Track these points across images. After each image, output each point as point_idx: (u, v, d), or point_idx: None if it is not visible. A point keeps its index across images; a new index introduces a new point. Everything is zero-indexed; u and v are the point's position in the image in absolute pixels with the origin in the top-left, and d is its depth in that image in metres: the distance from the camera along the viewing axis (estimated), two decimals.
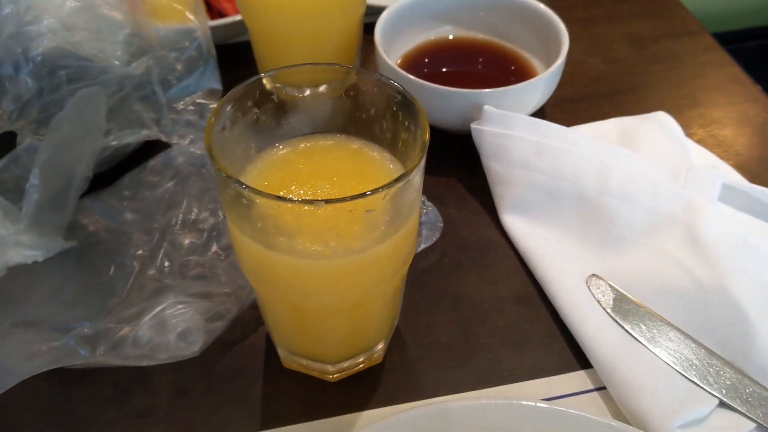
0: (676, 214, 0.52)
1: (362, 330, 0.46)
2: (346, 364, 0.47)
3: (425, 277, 0.54)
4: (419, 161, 0.36)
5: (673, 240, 0.52)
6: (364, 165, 0.43)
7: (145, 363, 0.47)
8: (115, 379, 0.48)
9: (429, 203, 0.57)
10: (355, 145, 0.44)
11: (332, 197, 0.35)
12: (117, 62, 0.48)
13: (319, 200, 0.34)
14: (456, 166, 0.62)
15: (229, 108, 0.39)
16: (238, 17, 0.69)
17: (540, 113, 0.64)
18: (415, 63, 0.67)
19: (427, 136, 0.37)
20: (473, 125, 0.58)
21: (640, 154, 0.57)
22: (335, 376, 0.48)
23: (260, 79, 0.41)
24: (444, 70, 0.68)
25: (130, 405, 0.47)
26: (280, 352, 0.48)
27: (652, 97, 0.71)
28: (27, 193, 0.44)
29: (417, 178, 0.38)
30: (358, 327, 0.45)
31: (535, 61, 0.67)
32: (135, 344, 0.47)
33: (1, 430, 0.46)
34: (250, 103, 0.41)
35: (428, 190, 0.58)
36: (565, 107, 0.68)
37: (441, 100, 0.59)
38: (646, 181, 0.54)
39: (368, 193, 0.34)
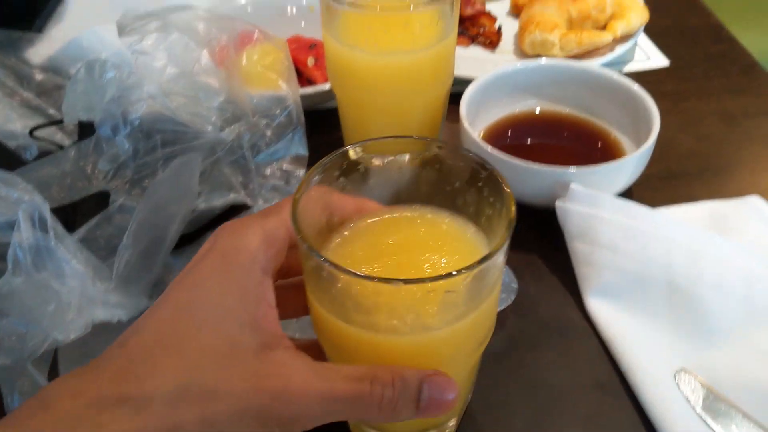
0: None
1: None
2: None
3: (501, 353, 0.53)
4: (504, 242, 0.35)
5: None
6: (448, 238, 0.42)
7: None
8: None
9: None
10: (439, 217, 0.43)
11: (412, 276, 0.34)
12: (211, 128, 0.50)
13: (398, 280, 0.33)
14: (537, 243, 0.61)
15: (316, 178, 0.40)
16: (327, 86, 0.70)
17: (627, 191, 0.63)
18: (499, 135, 0.67)
19: (514, 214, 0.37)
20: (558, 203, 0.57)
21: (733, 241, 0.54)
22: None
23: (346, 150, 0.41)
24: (528, 142, 0.67)
25: None
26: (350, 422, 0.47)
27: (745, 178, 0.69)
28: (119, 253, 0.45)
29: (501, 258, 0.36)
30: None
31: (622, 138, 0.65)
32: None
33: None
34: (336, 173, 0.41)
35: (509, 266, 0.57)
36: (653, 185, 0.66)
37: (525, 176, 0.58)
38: (740, 271, 0.52)
39: (453, 273, 0.33)
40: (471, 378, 0.47)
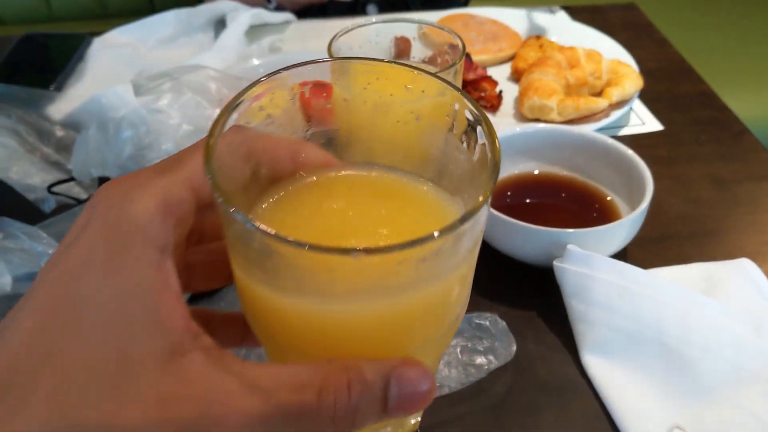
0: (760, 371, 0.51)
1: None
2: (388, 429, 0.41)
3: (501, 414, 0.54)
4: (489, 194, 0.28)
5: (758, 396, 0.51)
6: (408, 199, 0.35)
7: None
8: None
9: (500, 321, 0.58)
10: (398, 176, 0.36)
11: (370, 244, 0.28)
12: None
13: (356, 250, 0.25)
14: (535, 301, 0.63)
15: (235, 115, 0.31)
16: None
17: (620, 252, 0.65)
18: (499, 195, 0.70)
19: (499, 157, 0.30)
20: (556, 263, 0.59)
21: (722, 304, 0.57)
22: None
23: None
24: (527, 202, 0.70)
25: None
26: None
27: (735, 241, 0.71)
28: None
29: (483, 215, 0.29)
30: None
31: (618, 200, 0.68)
32: None
33: None
34: (263, 111, 0.33)
35: (507, 323, 0.59)
36: (646, 247, 0.69)
37: (524, 236, 0.60)
38: (729, 334, 0.54)
39: (432, 235, 0.26)
40: (436, 363, 0.40)
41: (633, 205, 0.63)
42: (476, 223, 0.28)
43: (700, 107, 0.93)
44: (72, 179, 0.69)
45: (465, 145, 0.33)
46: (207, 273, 0.35)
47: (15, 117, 0.75)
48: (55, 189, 0.70)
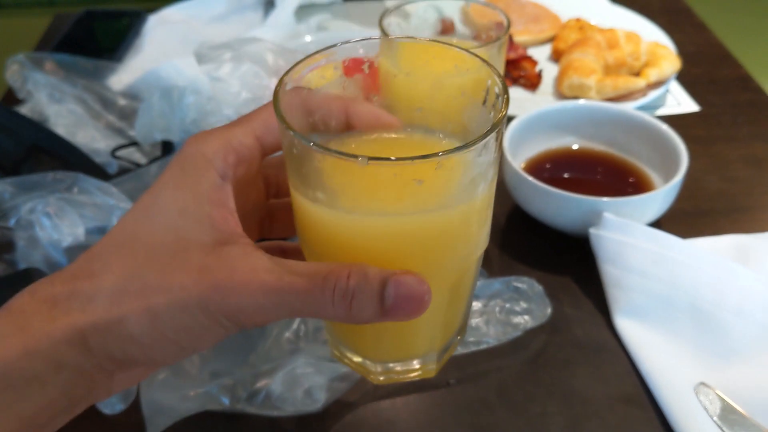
0: None
1: (417, 326, 0.40)
2: (398, 368, 0.43)
3: (537, 371, 0.57)
4: (485, 137, 0.32)
5: None
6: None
7: (275, 413, 0.52)
8: (248, 426, 0.53)
9: (537, 285, 0.61)
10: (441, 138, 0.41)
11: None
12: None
13: (363, 157, 0.30)
14: (572, 268, 0.66)
15: (306, 70, 0.37)
16: None
17: (657, 224, 0.67)
18: (538, 168, 0.72)
19: (504, 106, 0.35)
20: (592, 230, 0.62)
21: (755, 271, 0.59)
22: (381, 378, 0.43)
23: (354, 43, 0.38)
24: (565, 176, 0.73)
25: None
26: (328, 337, 0.45)
27: None
28: None
29: (481, 153, 0.34)
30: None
31: (654, 176, 0.70)
32: (268, 396, 0.53)
33: None
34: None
35: (545, 289, 0.62)
36: (682, 220, 0.71)
37: (562, 204, 0.63)
38: (761, 299, 0.56)
39: (424, 156, 0.30)
40: (461, 304, 0.43)
41: (668, 180, 0.65)
42: (484, 150, 0.33)
43: (738, 90, 0.94)
44: (134, 144, 0.73)
45: (491, 115, 0.37)
46: (284, 221, 0.42)
47: (81, 86, 0.79)
48: (119, 153, 0.74)
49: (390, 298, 0.32)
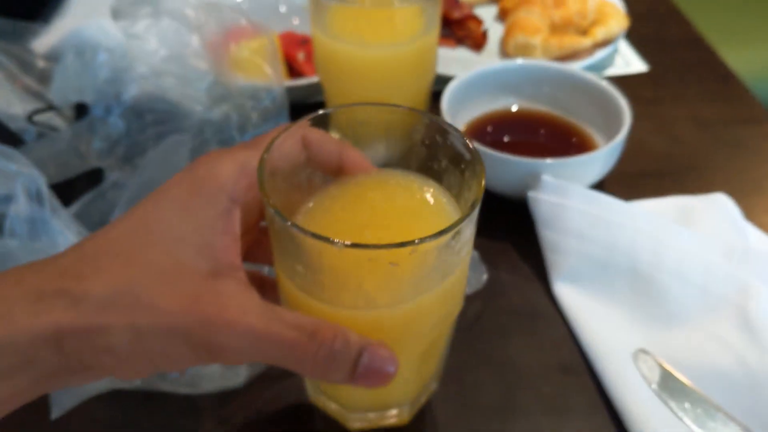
0: (728, 295, 0.52)
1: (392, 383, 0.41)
2: (372, 416, 0.47)
3: (472, 339, 0.55)
4: (459, 224, 0.34)
5: (724, 321, 0.51)
6: (429, 211, 0.41)
7: (192, 391, 0.49)
8: (164, 404, 0.50)
9: (473, 250, 0.58)
10: (423, 185, 0.42)
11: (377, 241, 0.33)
12: (200, 108, 0.52)
13: (340, 243, 0.32)
14: (510, 233, 0.64)
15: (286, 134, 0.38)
16: (315, 79, 0.73)
17: (600, 186, 0.66)
18: (479, 131, 0.70)
19: (478, 195, 0.35)
20: (530, 193, 0.60)
21: (695, 232, 0.57)
22: (357, 425, 0.47)
23: (327, 114, 0.40)
24: (506, 139, 0.70)
25: (176, 430, 0.49)
26: (308, 384, 0.48)
27: (716, 180, 0.71)
28: None
29: (455, 240, 0.35)
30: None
31: (597, 136, 0.68)
32: (182, 372, 0.50)
33: None
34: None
35: (481, 254, 0.59)
36: (626, 182, 0.69)
37: (501, 167, 0.61)
38: (699, 260, 0.54)
39: (399, 244, 0.32)
40: (428, 363, 0.45)
41: (611, 139, 0.63)
42: (445, 245, 0.34)
43: (687, 50, 0.92)
44: (51, 108, 0.69)
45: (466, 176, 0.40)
46: (268, 247, 0.42)
47: None
48: (37, 119, 0.70)
49: (362, 367, 0.34)
